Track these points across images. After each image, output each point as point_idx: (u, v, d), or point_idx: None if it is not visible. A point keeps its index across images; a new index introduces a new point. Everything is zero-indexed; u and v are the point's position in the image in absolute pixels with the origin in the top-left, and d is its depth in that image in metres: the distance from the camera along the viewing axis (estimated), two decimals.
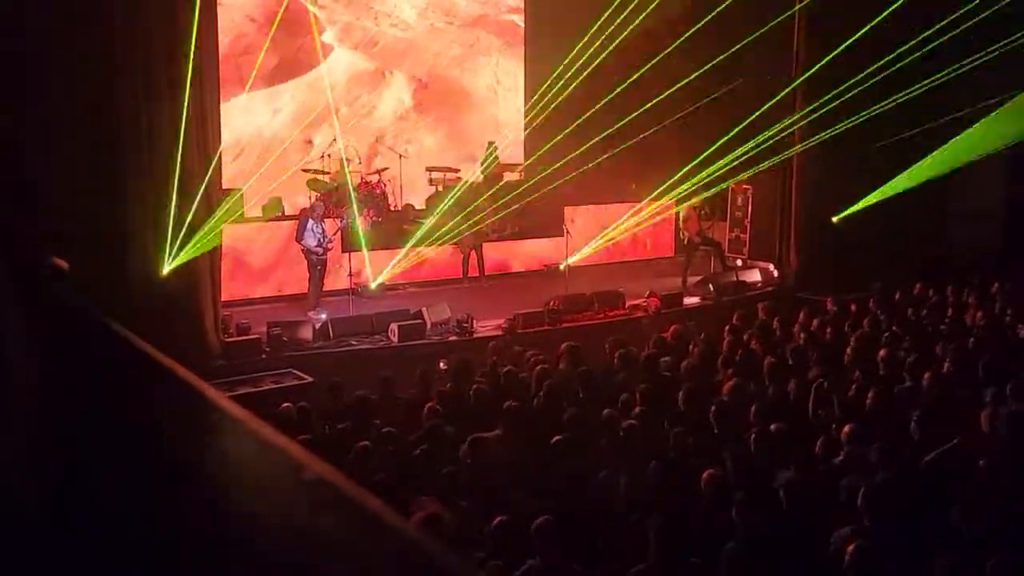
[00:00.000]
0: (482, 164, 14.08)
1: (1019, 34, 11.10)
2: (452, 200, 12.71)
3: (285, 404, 6.91)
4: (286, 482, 0.67)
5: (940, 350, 8.10)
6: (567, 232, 12.73)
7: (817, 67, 12.15)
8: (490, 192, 13.00)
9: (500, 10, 15.79)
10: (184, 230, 8.91)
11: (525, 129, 15.76)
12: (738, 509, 4.73)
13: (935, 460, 5.41)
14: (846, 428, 5.84)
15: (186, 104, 8.80)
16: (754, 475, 5.28)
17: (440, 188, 13.65)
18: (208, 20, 9.17)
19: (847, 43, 11.68)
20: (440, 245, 12.39)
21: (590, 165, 13.23)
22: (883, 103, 11.77)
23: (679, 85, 12.92)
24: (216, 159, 9.32)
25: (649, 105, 13.00)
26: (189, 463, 0.77)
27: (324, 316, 10.20)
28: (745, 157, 13.07)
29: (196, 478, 0.75)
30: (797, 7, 12.66)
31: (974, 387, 6.92)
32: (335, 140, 13.01)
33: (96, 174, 7.86)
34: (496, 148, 14.28)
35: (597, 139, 13.36)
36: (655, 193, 14.09)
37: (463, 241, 12.56)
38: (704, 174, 13.12)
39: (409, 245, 11.98)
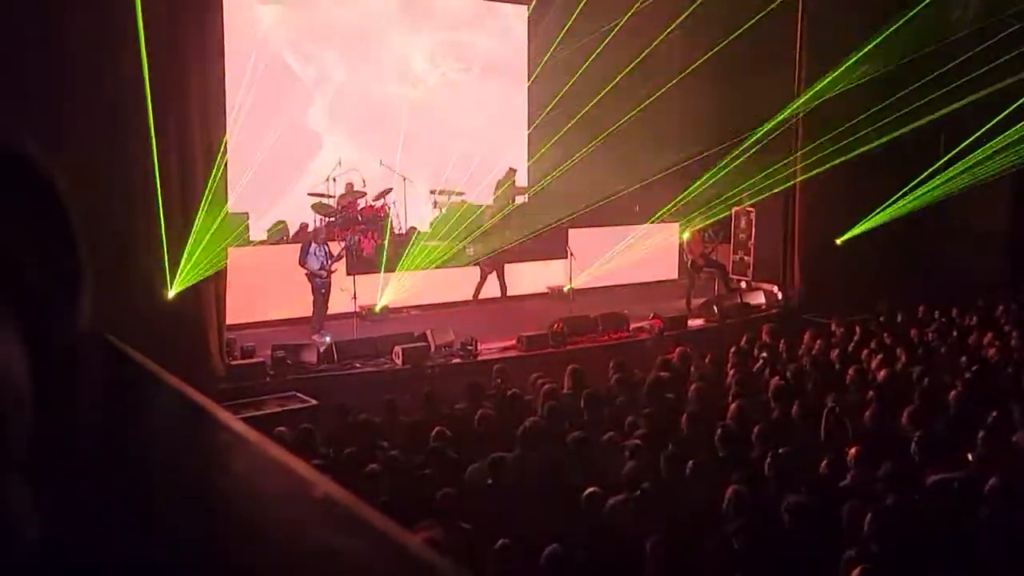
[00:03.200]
0: (497, 189, 14.20)
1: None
2: (459, 221, 12.83)
3: (279, 428, 6.87)
4: (295, 500, 0.67)
5: (946, 372, 8.08)
6: (571, 254, 12.74)
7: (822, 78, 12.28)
8: (502, 215, 13.15)
9: (516, 44, 15.74)
10: (189, 253, 8.94)
11: (529, 154, 15.87)
12: (737, 537, 4.70)
13: (942, 484, 5.38)
14: (852, 450, 5.82)
15: (193, 128, 8.87)
16: (762, 499, 5.25)
17: (444, 210, 13.72)
18: (214, 44, 9.22)
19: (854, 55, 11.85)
20: (460, 266, 12.50)
21: (601, 198, 13.33)
22: (889, 131, 11.90)
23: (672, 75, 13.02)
24: (222, 182, 9.36)
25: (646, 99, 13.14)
26: (196, 483, 0.78)
27: (328, 339, 10.20)
28: (748, 183, 13.20)
29: (204, 498, 0.76)
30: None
31: (982, 409, 6.88)
32: (339, 163, 13.09)
33: (100, 198, 7.89)
34: (515, 174, 14.42)
35: (600, 158, 13.46)
36: (659, 215, 14.19)
37: (483, 262, 12.65)
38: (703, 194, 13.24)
39: (416, 267, 12.05)
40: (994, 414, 6.52)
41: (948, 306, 11.17)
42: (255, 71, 12.45)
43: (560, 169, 13.75)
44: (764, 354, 9.36)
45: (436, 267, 12.36)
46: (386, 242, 12.26)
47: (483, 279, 12.86)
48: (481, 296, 12.98)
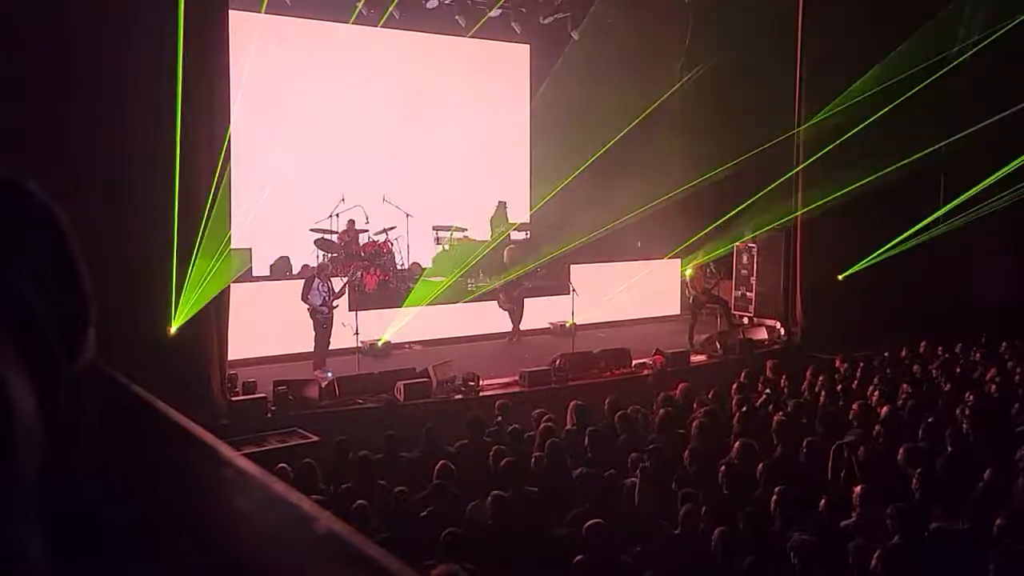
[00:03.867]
0: (492, 224, 14.29)
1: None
2: (461, 257, 12.93)
3: (281, 464, 6.83)
4: (298, 536, 0.66)
5: (951, 409, 8.03)
6: (573, 290, 12.76)
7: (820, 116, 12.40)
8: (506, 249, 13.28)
9: (518, 80, 15.91)
10: (192, 289, 8.95)
11: (531, 189, 15.97)
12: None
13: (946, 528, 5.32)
14: (857, 489, 5.77)
15: (199, 162, 8.93)
16: (767, 536, 5.20)
17: (447, 247, 13.77)
18: (221, 80, 9.30)
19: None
20: (463, 302, 12.58)
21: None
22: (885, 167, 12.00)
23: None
24: (226, 217, 9.39)
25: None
26: (198, 518, 0.77)
27: (330, 374, 10.18)
28: (750, 219, 13.28)
29: (205, 533, 0.75)
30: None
31: (987, 447, 6.84)
32: (343, 199, 13.15)
33: (102, 232, 7.89)
34: (506, 207, 14.51)
35: (603, 198, 13.55)
36: (662, 251, 14.26)
37: (501, 299, 12.71)
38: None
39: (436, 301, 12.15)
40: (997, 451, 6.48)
41: (952, 341, 11.14)
42: (259, 106, 12.59)
43: (557, 188, 13.87)
44: (767, 390, 9.33)
45: (430, 302, 12.39)
46: (389, 278, 12.31)
47: (511, 313, 12.93)
48: (484, 332, 12.97)
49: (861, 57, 12.45)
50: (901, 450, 6.53)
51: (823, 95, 12.59)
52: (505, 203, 14.61)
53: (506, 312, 12.99)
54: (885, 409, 7.99)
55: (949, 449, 6.85)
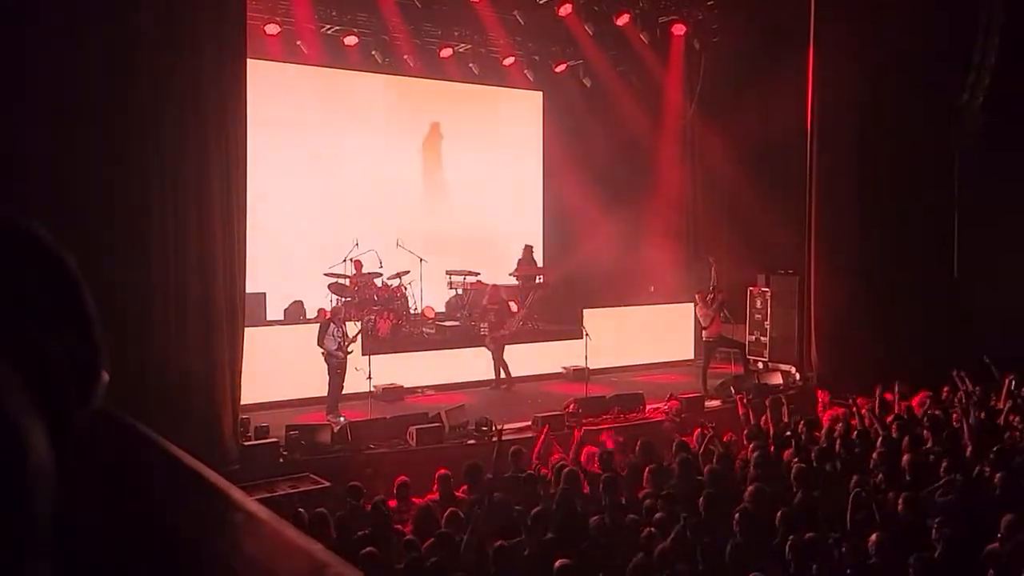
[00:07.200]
0: (518, 268, 14.36)
1: None
2: (475, 301, 12.93)
3: (300, 510, 6.77)
4: None
5: (972, 454, 7.91)
6: (586, 334, 12.72)
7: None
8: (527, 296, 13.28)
9: (532, 124, 16.09)
10: (207, 333, 8.96)
11: (544, 233, 16.04)
12: None
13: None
14: (874, 537, 5.67)
15: (213, 206, 9.00)
16: None
17: (460, 291, 13.79)
18: (239, 132, 9.41)
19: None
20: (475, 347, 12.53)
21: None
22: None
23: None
24: (240, 260, 9.43)
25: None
26: (210, 563, 0.76)
27: (343, 419, 10.14)
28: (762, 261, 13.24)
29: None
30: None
31: (1008, 493, 6.71)
32: (356, 244, 13.22)
33: (113, 278, 7.91)
34: (533, 251, 14.58)
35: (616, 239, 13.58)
36: (673, 295, 14.21)
37: (489, 346, 12.63)
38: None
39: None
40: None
41: (973, 386, 10.96)
42: (275, 151, 12.74)
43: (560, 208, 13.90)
44: (787, 433, 9.22)
45: (443, 347, 12.37)
46: (402, 323, 12.29)
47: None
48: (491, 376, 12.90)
49: (876, 109, 12.45)
50: (919, 497, 6.43)
51: (834, 141, 12.61)
52: (532, 247, 14.70)
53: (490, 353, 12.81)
54: (905, 455, 7.87)
55: (974, 494, 6.73)
